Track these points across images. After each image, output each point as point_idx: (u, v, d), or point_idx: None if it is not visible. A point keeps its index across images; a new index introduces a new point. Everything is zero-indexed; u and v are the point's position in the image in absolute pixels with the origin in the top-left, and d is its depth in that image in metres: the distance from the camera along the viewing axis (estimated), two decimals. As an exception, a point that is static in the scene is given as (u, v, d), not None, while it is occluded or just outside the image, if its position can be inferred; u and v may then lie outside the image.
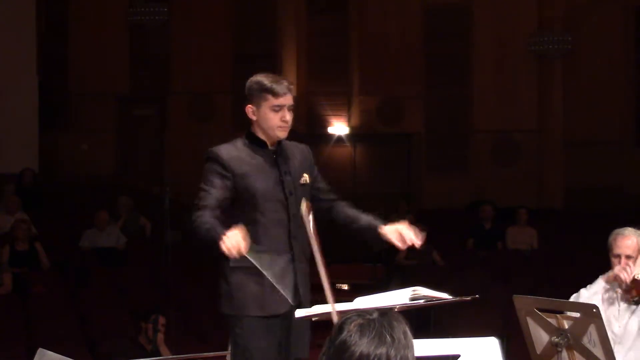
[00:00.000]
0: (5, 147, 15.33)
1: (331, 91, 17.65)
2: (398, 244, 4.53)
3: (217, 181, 4.57)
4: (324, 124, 17.60)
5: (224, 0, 17.84)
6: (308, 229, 4.26)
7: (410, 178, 17.94)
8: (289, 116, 4.66)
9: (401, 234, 4.53)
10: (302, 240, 4.61)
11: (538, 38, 17.22)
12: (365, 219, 4.74)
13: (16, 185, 13.85)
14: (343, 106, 17.70)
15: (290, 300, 4.56)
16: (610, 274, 5.24)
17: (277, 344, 4.62)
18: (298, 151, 4.78)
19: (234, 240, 4.21)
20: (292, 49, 17.60)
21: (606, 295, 5.33)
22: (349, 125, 17.74)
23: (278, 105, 4.64)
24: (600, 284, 5.33)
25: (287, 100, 4.66)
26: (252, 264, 4.51)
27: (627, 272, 5.16)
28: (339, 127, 17.66)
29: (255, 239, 4.51)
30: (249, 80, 4.74)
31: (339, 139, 17.69)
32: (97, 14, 17.42)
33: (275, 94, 4.62)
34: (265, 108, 4.62)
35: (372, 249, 14.51)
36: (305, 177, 4.73)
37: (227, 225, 4.53)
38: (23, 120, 15.79)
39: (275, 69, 16.94)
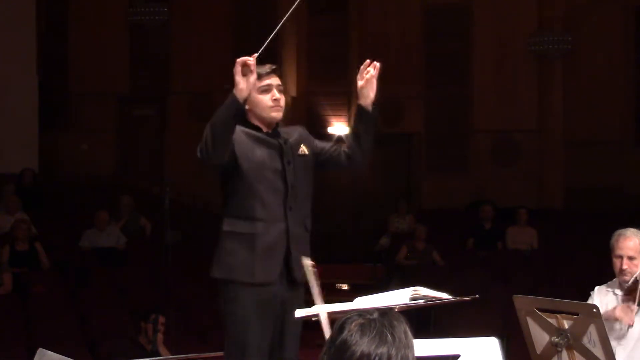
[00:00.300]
0: (5, 147, 15.33)
1: (331, 91, 17.64)
2: (366, 85, 4.70)
3: None
4: (324, 124, 17.60)
5: (224, 0, 17.84)
6: (312, 288, 4.24)
7: (410, 178, 17.93)
8: (279, 95, 4.70)
9: (363, 81, 4.70)
10: (299, 210, 4.64)
11: (538, 38, 17.21)
12: (352, 131, 4.87)
13: (16, 185, 13.86)
14: (343, 106, 17.70)
15: (277, 273, 4.57)
16: (611, 314, 5.22)
17: (269, 320, 4.58)
18: (294, 130, 4.85)
19: (239, 62, 4.43)
20: (292, 49, 17.60)
21: (606, 298, 5.33)
22: (349, 125, 17.74)
23: (265, 86, 4.69)
24: (596, 300, 5.32)
25: (273, 79, 4.74)
26: (245, 230, 4.54)
27: (630, 316, 5.16)
28: (339, 127, 17.66)
29: (251, 207, 4.58)
30: None
31: (339, 139, 17.69)
32: (97, 14, 17.42)
33: (259, 76, 4.66)
34: (253, 93, 4.64)
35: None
36: (304, 148, 4.76)
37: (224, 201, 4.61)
38: (23, 120, 15.78)
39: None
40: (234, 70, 4.47)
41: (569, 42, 17.14)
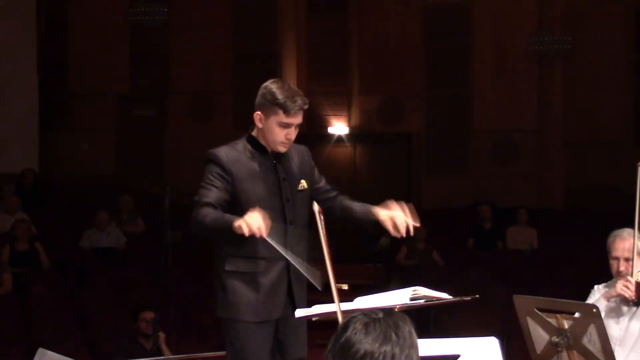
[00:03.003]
0: (6, 147, 15.33)
1: (331, 91, 17.63)
2: (393, 231, 4.56)
3: (218, 182, 4.56)
4: (324, 124, 17.59)
5: (224, 0, 17.84)
6: (320, 230, 4.25)
7: (410, 178, 17.93)
8: (294, 134, 4.62)
9: (395, 222, 4.54)
10: (298, 247, 4.62)
11: (538, 38, 17.21)
12: (360, 208, 4.76)
13: (17, 185, 13.86)
14: (343, 106, 17.70)
15: (281, 312, 4.58)
16: (612, 292, 5.21)
17: (270, 346, 4.63)
18: (297, 154, 4.76)
19: (254, 220, 4.22)
20: (292, 49, 17.59)
21: (604, 304, 5.31)
22: (349, 125, 17.74)
23: (286, 123, 4.58)
24: (598, 296, 5.31)
25: (297, 119, 4.61)
26: (247, 269, 4.53)
27: (630, 290, 5.14)
28: (339, 127, 17.66)
29: (252, 245, 4.53)
30: (263, 86, 4.65)
31: (339, 139, 17.69)
32: (97, 14, 17.41)
33: (287, 112, 4.56)
34: (273, 122, 4.57)
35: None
36: (303, 183, 4.72)
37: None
38: (23, 120, 15.79)
39: (275, 69, 16.94)
40: (239, 225, 4.26)
41: (569, 42, 17.13)
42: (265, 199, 4.58)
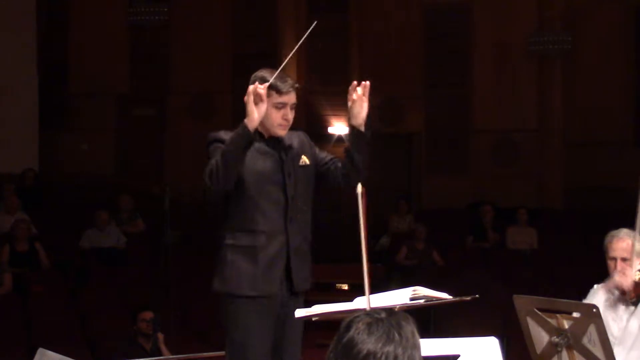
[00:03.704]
0: (6, 147, 15.32)
1: (331, 91, 17.63)
2: (360, 105, 4.74)
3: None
4: (324, 124, 17.59)
5: (223, 0, 17.84)
6: (360, 212, 4.29)
7: (410, 178, 17.93)
8: (290, 115, 4.68)
9: (354, 101, 4.72)
10: (299, 222, 4.64)
11: (538, 38, 17.20)
12: (346, 154, 4.84)
13: (16, 185, 13.85)
14: (343, 106, 17.61)
15: (277, 286, 4.58)
16: (610, 283, 5.21)
17: (270, 326, 4.60)
18: (295, 137, 4.81)
19: (252, 87, 4.44)
20: (292, 48, 17.55)
21: (604, 297, 5.32)
22: (349, 125, 17.73)
23: (281, 103, 4.65)
24: (599, 294, 5.30)
25: (291, 98, 4.68)
26: (247, 242, 4.54)
27: (626, 277, 5.13)
28: (339, 127, 17.66)
29: (253, 219, 4.58)
30: (253, 75, 4.74)
31: (339, 139, 17.69)
32: (97, 14, 17.41)
33: (279, 92, 4.63)
34: (268, 105, 4.61)
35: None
36: (304, 159, 4.75)
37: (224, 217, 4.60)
38: (23, 120, 15.78)
39: (275, 69, 16.93)
40: (246, 100, 4.46)
41: (569, 42, 17.13)
42: (267, 174, 4.63)
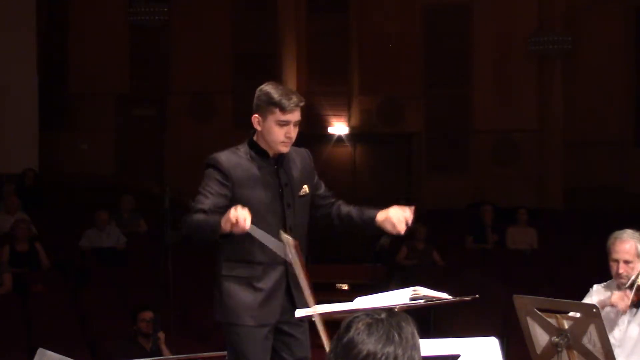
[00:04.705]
0: (6, 147, 15.33)
1: (331, 91, 17.64)
2: (392, 231, 4.56)
3: (216, 188, 4.52)
4: (324, 124, 17.60)
5: (223, 0, 17.84)
6: (295, 265, 4.26)
7: (410, 178, 17.93)
8: (294, 133, 4.59)
9: (392, 221, 4.53)
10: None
11: (538, 38, 17.21)
12: (357, 214, 4.72)
13: (16, 185, 13.85)
14: (343, 106, 17.70)
15: (278, 316, 4.58)
16: (608, 300, 5.20)
17: (271, 348, 4.63)
18: (299, 158, 4.73)
19: (240, 212, 4.21)
20: (292, 49, 17.59)
21: (604, 297, 5.31)
22: (349, 125, 17.74)
23: (284, 121, 4.56)
24: (595, 298, 5.30)
25: (295, 116, 4.59)
26: (245, 274, 4.53)
27: (625, 301, 5.14)
28: (339, 127, 17.66)
29: (249, 251, 4.53)
30: (258, 89, 4.63)
31: (339, 139, 17.70)
32: (97, 14, 17.41)
33: (283, 109, 4.54)
34: (271, 121, 4.54)
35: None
36: (305, 189, 4.69)
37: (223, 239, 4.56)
38: (23, 120, 15.78)
39: (275, 69, 16.94)
40: (227, 218, 4.25)
41: (569, 42, 17.14)
42: (266, 204, 4.55)
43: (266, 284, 4.55)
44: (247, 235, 4.39)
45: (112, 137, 17.71)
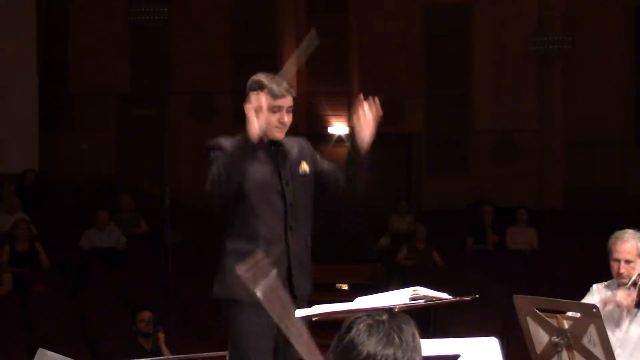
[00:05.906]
0: (6, 147, 15.32)
1: (331, 91, 17.64)
2: (366, 128, 4.66)
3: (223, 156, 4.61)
4: (324, 124, 17.60)
5: (224, 0, 17.84)
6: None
7: (410, 178, 17.93)
8: (287, 118, 4.67)
9: (361, 123, 4.65)
10: (299, 229, 4.65)
11: (538, 38, 17.21)
12: (348, 154, 4.83)
13: (16, 186, 13.85)
14: (343, 106, 17.69)
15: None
16: (612, 298, 5.20)
17: (270, 329, 4.60)
18: (296, 143, 4.81)
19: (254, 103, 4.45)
20: (292, 49, 17.53)
21: (605, 297, 5.31)
22: (349, 125, 17.73)
23: (276, 106, 4.65)
24: (596, 297, 5.30)
25: (286, 101, 4.67)
26: (247, 248, 4.54)
27: (629, 299, 5.13)
28: (339, 127, 17.66)
29: (253, 226, 4.60)
30: (250, 79, 4.76)
31: (339, 139, 17.69)
32: (97, 14, 17.41)
33: (274, 95, 4.63)
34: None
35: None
36: (304, 167, 4.75)
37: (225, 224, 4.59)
38: (23, 120, 15.77)
39: (275, 69, 16.92)
40: (248, 111, 4.47)
41: (569, 42, 17.13)
42: (265, 181, 4.64)
43: (267, 259, 4.58)
44: (251, 211, 4.55)
45: (112, 137, 17.70)
